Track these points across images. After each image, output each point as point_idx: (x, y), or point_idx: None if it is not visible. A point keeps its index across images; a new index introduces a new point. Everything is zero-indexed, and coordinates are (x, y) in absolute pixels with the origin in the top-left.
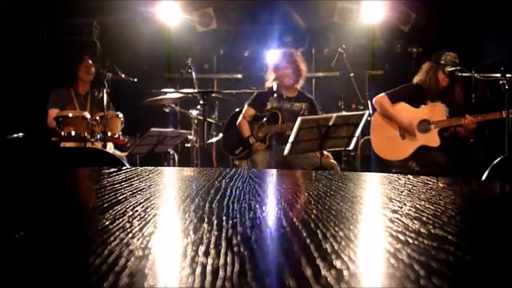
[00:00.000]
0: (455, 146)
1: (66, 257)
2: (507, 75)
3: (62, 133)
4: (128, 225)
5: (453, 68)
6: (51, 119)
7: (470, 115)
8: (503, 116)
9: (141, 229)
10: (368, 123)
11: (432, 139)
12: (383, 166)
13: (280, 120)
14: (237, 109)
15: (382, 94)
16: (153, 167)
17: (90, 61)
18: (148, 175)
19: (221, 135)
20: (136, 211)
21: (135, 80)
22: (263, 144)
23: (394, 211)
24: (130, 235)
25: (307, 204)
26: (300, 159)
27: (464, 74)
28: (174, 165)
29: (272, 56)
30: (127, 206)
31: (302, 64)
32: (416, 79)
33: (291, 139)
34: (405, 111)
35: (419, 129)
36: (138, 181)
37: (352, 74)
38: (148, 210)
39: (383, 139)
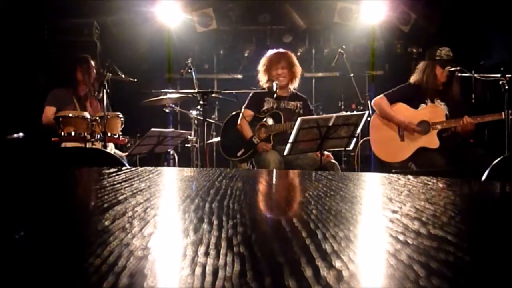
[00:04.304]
0: (454, 147)
1: (66, 257)
2: (507, 75)
3: (62, 133)
4: (128, 225)
5: (453, 68)
6: (46, 116)
7: (469, 116)
8: (503, 117)
9: (141, 230)
10: (368, 123)
11: (432, 141)
12: (383, 166)
13: (283, 119)
14: (233, 113)
15: (381, 95)
16: (153, 168)
17: (92, 63)
18: (148, 175)
19: (218, 139)
20: (136, 211)
21: (135, 80)
22: (269, 144)
23: (394, 212)
24: (130, 235)
25: (307, 205)
26: (301, 159)
27: (464, 75)
28: (174, 165)
29: (266, 56)
30: (127, 207)
31: (297, 64)
32: (412, 79)
33: (291, 139)
34: (403, 112)
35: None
36: (138, 181)
37: (352, 75)
38: (148, 210)
39: (382, 140)
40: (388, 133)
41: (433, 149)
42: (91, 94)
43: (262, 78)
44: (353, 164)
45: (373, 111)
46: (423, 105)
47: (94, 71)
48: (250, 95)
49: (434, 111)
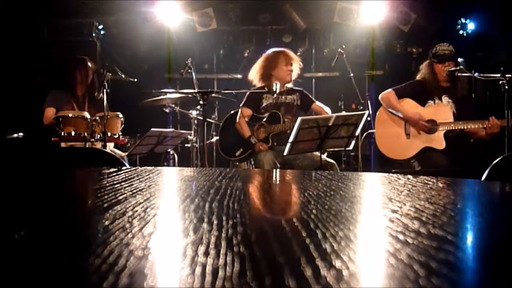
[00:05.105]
0: (458, 147)
1: (66, 257)
2: (507, 75)
3: (62, 133)
4: (128, 225)
5: (453, 68)
6: (47, 117)
7: (495, 119)
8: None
9: (141, 229)
10: (368, 122)
11: (437, 141)
12: (383, 164)
13: (282, 119)
14: (232, 111)
15: (389, 89)
16: (153, 167)
17: (89, 64)
18: (148, 175)
19: (217, 138)
20: (136, 211)
21: (135, 80)
22: (266, 144)
23: (394, 211)
24: (130, 235)
25: (307, 204)
26: (300, 159)
27: (464, 74)
28: (174, 165)
29: (268, 54)
30: (127, 206)
31: (298, 62)
32: (418, 77)
33: (290, 139)
34: (411, 109)
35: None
36: (138, 181)
37: (352, 74)
38: (148, 210)
39: (387, 136)
40: (394, 130)
41: (437, 149)
42: (89, 94)
43: (258, 77)
44: (356, 163)
45: (378, 107)
46: (430, 102)
47: (91, 71)
48: (248, 93)
49: (441, 111)
